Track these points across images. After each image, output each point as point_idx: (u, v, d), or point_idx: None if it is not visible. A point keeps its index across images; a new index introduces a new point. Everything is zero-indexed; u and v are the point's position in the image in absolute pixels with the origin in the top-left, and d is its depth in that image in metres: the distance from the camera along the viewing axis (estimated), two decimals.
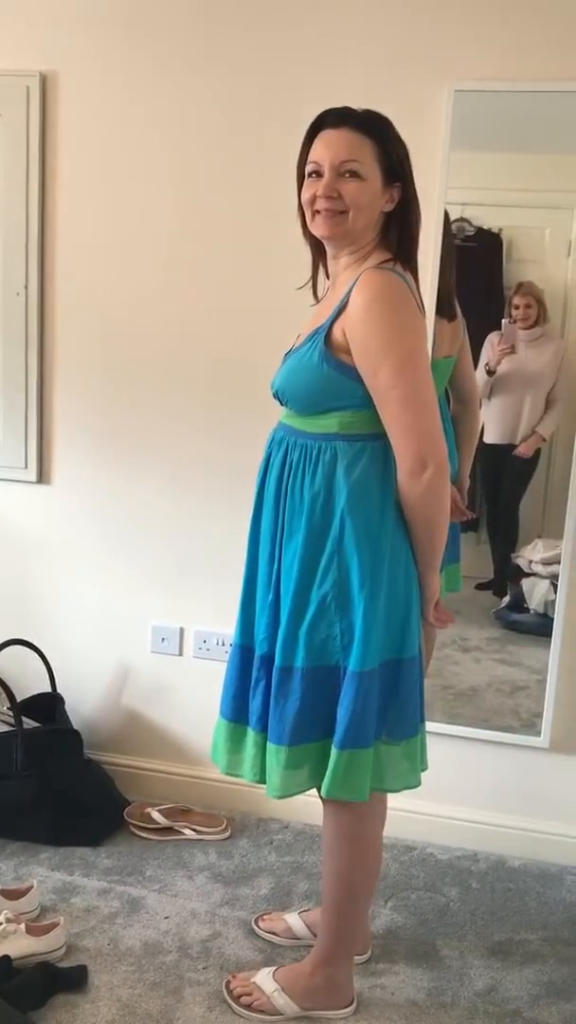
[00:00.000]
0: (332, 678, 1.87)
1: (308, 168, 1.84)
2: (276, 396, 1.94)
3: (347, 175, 1.80)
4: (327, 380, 1.81)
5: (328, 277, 1.97)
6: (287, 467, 1.88)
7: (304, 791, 1.94)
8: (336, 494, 1.83)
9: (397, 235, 1.87)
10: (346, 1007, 2.05)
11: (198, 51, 2.52)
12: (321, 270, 2.00)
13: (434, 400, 1.80)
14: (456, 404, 2.58)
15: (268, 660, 1.92)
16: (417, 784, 1.98)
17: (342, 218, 1.82)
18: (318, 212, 1.84)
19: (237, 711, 2.00)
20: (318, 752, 1.90)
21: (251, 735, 1.96)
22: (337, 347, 1.80)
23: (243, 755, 1.99)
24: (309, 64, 2.44)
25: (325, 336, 1.81)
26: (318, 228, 1.86)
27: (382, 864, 2.22)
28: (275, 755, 1.90)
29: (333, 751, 1.86)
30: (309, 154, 1.85)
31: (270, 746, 1.91)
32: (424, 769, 1.99)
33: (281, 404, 1.94)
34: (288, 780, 1.90)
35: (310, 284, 2.01)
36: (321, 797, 1.95)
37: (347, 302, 1.79)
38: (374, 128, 1.82)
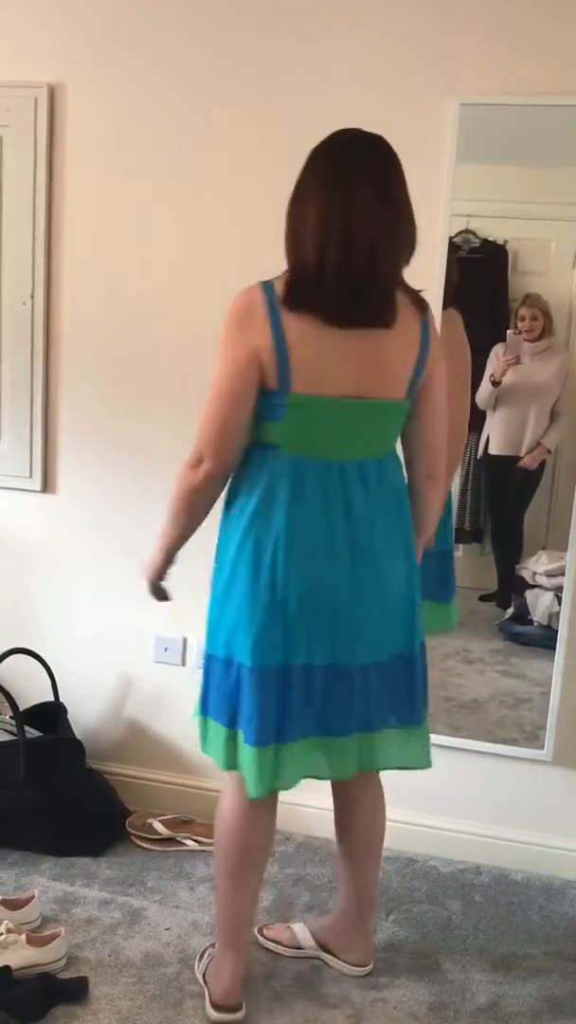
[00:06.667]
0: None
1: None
2: None
3: None
4: None
5: None
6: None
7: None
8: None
9: None
10: None
11: (204, 63, 2.52)
12: None
13: (221, 402, 1.91)
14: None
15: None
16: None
17: None
18: None
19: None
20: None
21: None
22: None
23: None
24: (316, 77, 2.45)
25: None
26: None
27: (382, 877, 2.21)
28: (421, 734, 2.03)
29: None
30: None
31: (415, 729, 2.01)
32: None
33: None
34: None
35: None
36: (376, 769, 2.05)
37: None
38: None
